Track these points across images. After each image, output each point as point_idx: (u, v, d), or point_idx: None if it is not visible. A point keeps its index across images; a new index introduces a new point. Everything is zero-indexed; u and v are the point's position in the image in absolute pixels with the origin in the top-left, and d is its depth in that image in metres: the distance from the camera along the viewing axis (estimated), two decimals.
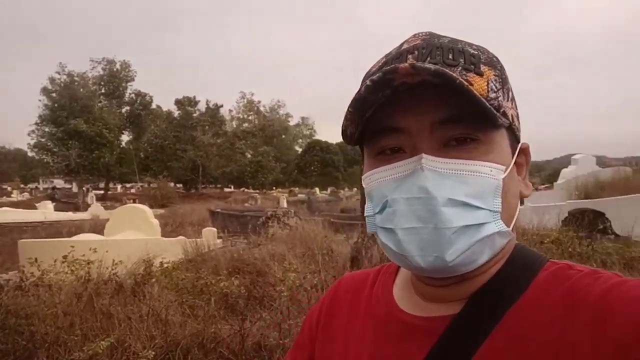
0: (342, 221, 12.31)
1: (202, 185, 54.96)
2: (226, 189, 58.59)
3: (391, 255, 0.61)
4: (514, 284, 0.59)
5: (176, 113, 56.39)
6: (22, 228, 17.93)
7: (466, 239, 0.54)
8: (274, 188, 55.35)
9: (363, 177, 0.64)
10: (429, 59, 0.57)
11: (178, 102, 56.30)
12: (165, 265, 4.71)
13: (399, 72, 0.52)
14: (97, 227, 13.59)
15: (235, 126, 68.27)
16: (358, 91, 0.57)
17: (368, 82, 0.55)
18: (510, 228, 0.58)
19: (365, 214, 0.63)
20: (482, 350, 0.55)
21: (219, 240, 10.35)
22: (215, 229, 11.22)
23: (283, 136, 71.90)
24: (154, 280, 4.50)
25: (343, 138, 0.62)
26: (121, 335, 3.59)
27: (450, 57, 0.57)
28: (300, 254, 5.94)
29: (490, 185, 0.56)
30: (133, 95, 51.06)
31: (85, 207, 29.31)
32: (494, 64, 0.60)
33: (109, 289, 4.30)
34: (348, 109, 0.58)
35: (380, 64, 0.62)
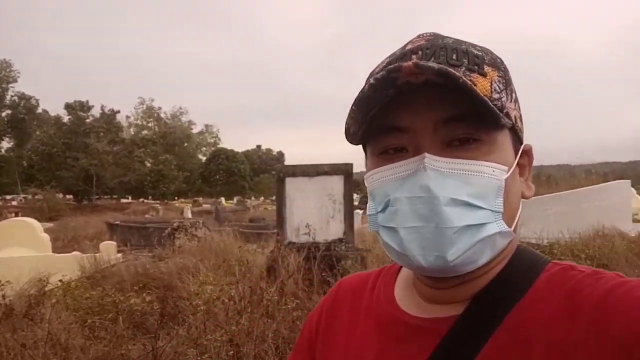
0: (252, 231, 12.16)
1: (97, 196, 51.11)
2: (123, 200, 55.00)
3: (392, 255, 0.60)
4: (516, 284, 0.59)
5: (66, 118, 52.00)
6: None
7: (467, 238, 0.54)
8: (177, 198, 53.17)
9: (365, 176, 0.64)
10: (432, 59, 0.57)
11: (69, 107, 51.97)
12: (64, 283, 4.26)
13: (403, 70, 0.52)
14: None
15: (133, 133, 64.81)
16: (362, 90, 0.57)
17: (372, 81, 0.54)
18: (512, 229, 0.59)
19: (368, 213, 0.63)
20: (485, 350, 0.56)
21: (119, 255, 9.68)
22: (114, 243, 10.49)
23: (185, 144, 69.59)
24: (54, 300, 4.05)
25: (346, 137, 0.62)
26: None
27: (454, 57, 0.57)
28: (214, 265, 5.74)
29: (492, 185, 0.56)
30: (15, 98, 46.49)
31: None
32: (497, 65, 0.61)
33: None
34: (351, 108, 0.57)
35: (384, 64, 0.62)
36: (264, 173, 70.23)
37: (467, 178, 0.55)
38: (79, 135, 49.20)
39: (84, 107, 52.59)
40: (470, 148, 0.56)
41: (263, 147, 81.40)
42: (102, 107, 54.43)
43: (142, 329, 4.16)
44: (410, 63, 0.52)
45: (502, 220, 0.57)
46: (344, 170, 5.81)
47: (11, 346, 3.44)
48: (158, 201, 47.91)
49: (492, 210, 0.56)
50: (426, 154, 0.55)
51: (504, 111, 0.58)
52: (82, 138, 48.98)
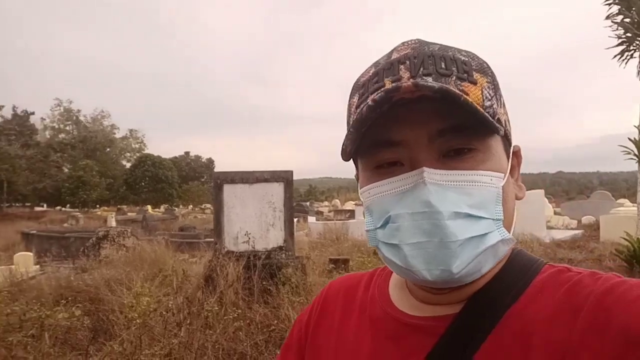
0: (184, 240, 11.74)
1: (7, 204, 46.95)
2: (37, 208, 50.99)
3: (395, 270, 0.61)
4: (513, 285, 0.60)
5: None
6: None
7: (471, 250, 0.55)
8: (99, 206, 50.14)
9: (361, 190, 0.64)
10: (422, 69, 0.57)
11: None
12: None
13: (401, 91, 0.52)
14: None
15: (49, 137, 60.41)
16: (359, 112, 0.56)
17: (370, 103, 0.54)
18: (511, 233, 0.60)
19: (366, 229, 0.63)
20: (484, 348, 0.56)
21: (37, 266, 8.97)
22: (31, 254, 9.71)
23: (108, 149, 65.88)
24: None
25: (342, 156, 0.61)
26: None
27: (443, 65, 0.57)
28: (147, 276, 5.46)
29: (491, 194, 0.57)
30: None
31: None
32: (485, 70, 0.61)
33: None
34: (349, 130, 0.58)
35: (370, 74, 0.61)
36: (193, 180, 68.20)
37: (467, 189, 0.56)
38: None
39: None
40: (466, 158, 0.57)
41: (192, 154, 79.15)
42: (14, 108, 50.23)
43: (69, 346, 3.86)
44: (409, 84, 0.52)
45: (503, 228, 0.58)
46: (284, 177, 5.78)
47: None
48: (77, 209, 44.89)
49: (493, 219, 0.57)
50: (425, 168, 0.55)
51: (496, 118, 0.59)
52: None
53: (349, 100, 0.65)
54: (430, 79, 0.54)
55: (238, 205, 5.72)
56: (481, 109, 0.53)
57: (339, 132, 0.65)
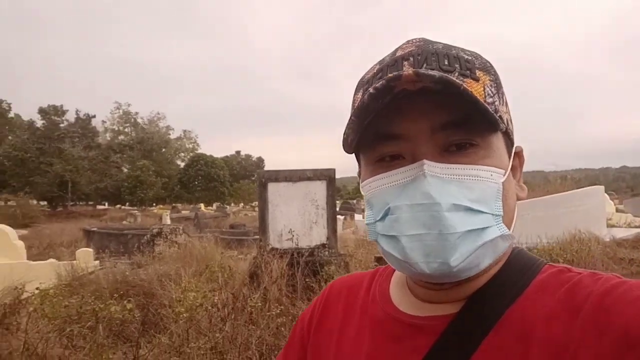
0: (233, 237, 12.05)
1: (72, 203, 49.90)
2: (99, 206, 53.88)
3: (393, 262, 0.61)
4: (513, 285, 0.60)
5: (40, 123, 50.66)
6: None
7: (470, 243, 0.54)
8: (155, 204, 52.34)
9: (362, 184, 0.64)
10: (425, 65, 0.57)
11: (42, 111, 50.60)
12: (44, 292, 4.15)
13: (402, 79, 0.52)
14: None
15: (109, 138, 63.58)
16: (361, 99, 0.57)
17: (372, 91, 0.54)
18: (511, 231, 0.59)
19: (366, 222, 0.63)
20: (483, 347, 0.56)
21: (96, 262, 9.47)
22: (91, 250, 10.27)
23: (163, 150, 68.53)
24: (31, 309, 3.93)
25: (344, 147, 0.61)
26: None
27: (446, 62, 0.58)
28: (193, 272, 5.66)
29: (491, 189, 0.57)
30: None
31: None
32: (488, 69, 0.61)
33: None
34: (351, 118, 0.58)
35: (375, 71, 0.62)
36: (243, 179, 69.75)
37: (467, 183, 0.56)
38: (53, 141, 48.01)
39: (58, 111, 51.32)
40: (468, 153, 0.57)
41: (242, 153, 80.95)
42: (77, 112, 53.22)
43: (122, 338, 4.07)
44: (410, 72, 0.52)
45: (502, 224, 0.57)
46: (326, 175, 5.82)
47: None
48: (136, 207, 47.08)
49: (493, 214, 0.57)
50: (425, 161, 0.56)
51: (498, 115, 0.58)
52: (56, 143, 47.82)
53: (353, 96, 0.65)
54: (434, 72, 0.54)
55: (282, 203, 5.82)
56: (485, 104, 0.54)
57: None
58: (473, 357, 0.56)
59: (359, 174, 0.67)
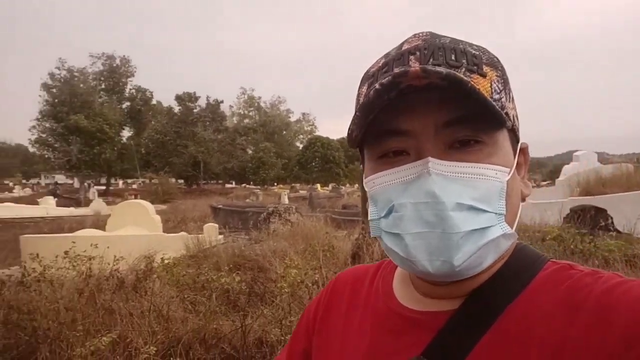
0: (344, 217, 12.32)
1: (204, 181, 55.02)
2: (228, 185, 58.68)
3: (396, 260, 0.61)
4: (515, 281, 0.59)
5: (177, 109, 56.27)
6: (24, 224, 17.97)
7: (473, 242, 0.54)
8: (276, 184, 55.41)
9: (365, 180, 0.63)
10: (431, 60, 0.56)
11: (178, 98, 56.16)
12: (167, 261, 4.71)
13: (409, 75, 0.52)
14: (99, 223, 13.61)
15: (235, 122, 68.27)
16: (366, 95, 0.56)
17: (377, 86, 0.54)
18: (514, 229, 0.58)
19: (369, 218, 0.62)
20: (482, 344, 0.56)
21: (220, 236, 10.33)
22: (217, 225, 11.20)
23: (284, 132, 71.94)
24: (155, 276, 4.49)
25: (348, 142, 0.61)
26: (123, 331, 3.59)
27: (453, 57, 0.56)
28: (302, 250, 5.94)
29: (495, 188, 0.56)
30: (133, 90, 51.13)
31: (87, 202, 29.40)
32: (495, 64, 0.59)
33: (110, 284, 4.31)
34: (356, 114, 0.57)
35: (380, 64, 0.61)
36: (358, 160, 70.24)
37: (471, 182, 0.55)
38: (187, 125, 53.10)
39: (192, 98, 56.43)
40: (473, 150, 0.56)
41: None
42: (208, 98, 57.96)
43: (235, 307, 4.46)
44: (417, 68, 0.52)
45: (505, 222, 0.56)
46: None
47: (124, 314, 3.90)
48: (258, 186, 50.35)
49: (496, 213, 0.56)
50: (430, 158, 0.55)
51: (504, 111, 0.57)
52: (190, 127, 52.82)
53: (359, 90, 0.64)
54: (441, 68, 0.53)
55: None
56: (491, 101, 0.53)
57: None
58: (471, 353, 0.56)
59: (362, 169, 0.68)
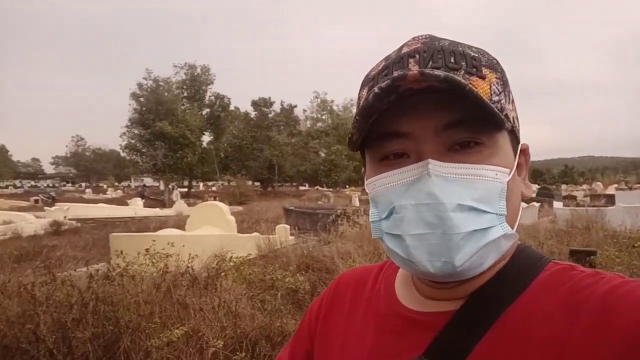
0: None
1: (278, 184, 56.49)
2: (301, 187, 59.77)
3: (398, 261, 0.62)
4: (516, 282, 0.59)
5: (252, 114, 58.21)
6: (115, 223, 19.53)
7: (474, 243, 0.54)
8: (347, 186, 55.54)
9: (367, 182, 0.64)
10: (430, 62, 0.57)
11: (254, 104, 58.10)
12: (234, 260, 4.93)
13: (408, 79, 0.53)
14: (180, 222, 14.41)
15: (309, 126, 69.20)
16: (365, 99, 0.58)
17: (376, 90, 0.55)
18: (514, 229, 0.58)
19: (370, 220, 0.63)
20: (482, 344, 0.56)
21: (291, 237, 10.56)
22: (288, 226, 11.45)
23: None
24: (222, 274, 4.72)
25: (348, 145, 0.63)
26: (195, 325, 3.80)
27: (452, 60, 0.57)
28: (367, 252, 5.94)
29: (495, 188, 0.56)
30: (213, 97, 53.29)
31: (171, 203, 31.27)
32: (494, 66, 0.60)
33: (185, 280, 4.58)
34: (355, 118, 0.59)
35: (380, 67, 0.62)
36: None
37: (471, 182, 0.55)
38: (263, 129, 54.76)
39: (267, 103, 58.15)
40: (473, 152, 0.57)
41: None
42: (282, 103, 59.46)
43: (299, 306, 4.57)
44: (415, 71, 0.53)
45: (505, 223, 0.57)
46: None
47: (196, 309, 4.13)
48: (330, 189, 50.78)
49: (497, 214, 0.56)
50: (430, 160, 0.56)
51: (504, 113, 0.57)
52: (265, 131, 54.43)
53: (359, 93, 0.65)
54: (439, 71, 0.54)
55: None
56: (490, 103, 0.54)
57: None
58: (472, 353, 0.56)
59: (364, 171, 0.68)
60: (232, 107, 56.11)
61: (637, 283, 0.52)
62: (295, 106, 60.36)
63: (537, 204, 16.07)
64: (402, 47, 0.62)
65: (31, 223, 17.07)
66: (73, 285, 4.16)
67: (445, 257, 0.54)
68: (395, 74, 0.57)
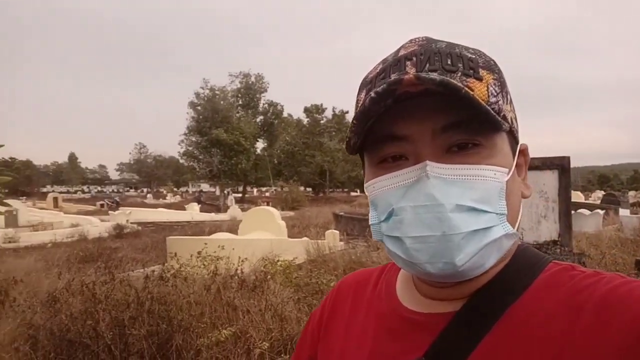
0: None
1: (329, 189, 56.70)
2: (352, 193, 59.69)
3: (399, 263, 0.62)
4: (516, 282, 0.59)
5: (305, 121, 58.95)
6: (173, 227, 20.37)
7: (475, 243, 0.54)
8: None
9: (366, 185, 0.64)
10: (427, 65, 0.57)
11: (307, 110, 58.88)
12: (280, 264, 5.03)
13: (403, 83, 0.53)
14: (234, 227, 14.80)
15: None
16: (363, 103, 0.58)
17: (373, 95, 0.55)
18: (515, 229, 0.58)
19: (370, 222, 0.63)
20: (482, 345, 0.56)
21: (341, 243, 10.57)
22: (337, 232, 11.49)
23: None
24: (269, 277, 4.81)
25: (346, 149, 0.63)
26: (243, 326, 3.90)
27: (449, 62, 0.57)
28: None
29: (495, 188, 0.56)
30: (266, 105, 54.37)
31: (226, 208, 32.13)
32: (491, 67, 0.59)
33: (234, 283, 4.71)
34: (353, 122, 0.59)
35: (378, 70, 0.62)
36: None
37: (470, 183, 0.55)
38: (314, 135, 55.31)
39: (319, 109, 58.70)
40: (471, 153, 0.57)
41: None
42: (334, 109, 59.75)
43: None
44: (411, 75, 0.52)
45: (506, 222, 0.56)
46: (558, 164, 5.20)
47: (244, 310, 4.24)
48: None
49: (497, 213, 0.55)
50: (428, 162, 0.55)
51: (502, 114, 0.57)
52: (317, 138, 54.94)
53: (357, 97, 0.65)
54: (435, 75, 0.54)
55: None
56: (483, 103, 0.54)
57: None
58: (473, 354, 0.56)
59: (364, 174, 0.68)
60: (285, 114, 57.05)
61: (637, 283, 0.52)
62: (347, 112, 60.35)
63: (601, 212, 15.19)
64: (399, 49, 0.62)
65: (96, 226, 18.22)
66: (130, 285, 4.40)
67: (446, 258, 0.54)
68: (392, 77, 0.57)
